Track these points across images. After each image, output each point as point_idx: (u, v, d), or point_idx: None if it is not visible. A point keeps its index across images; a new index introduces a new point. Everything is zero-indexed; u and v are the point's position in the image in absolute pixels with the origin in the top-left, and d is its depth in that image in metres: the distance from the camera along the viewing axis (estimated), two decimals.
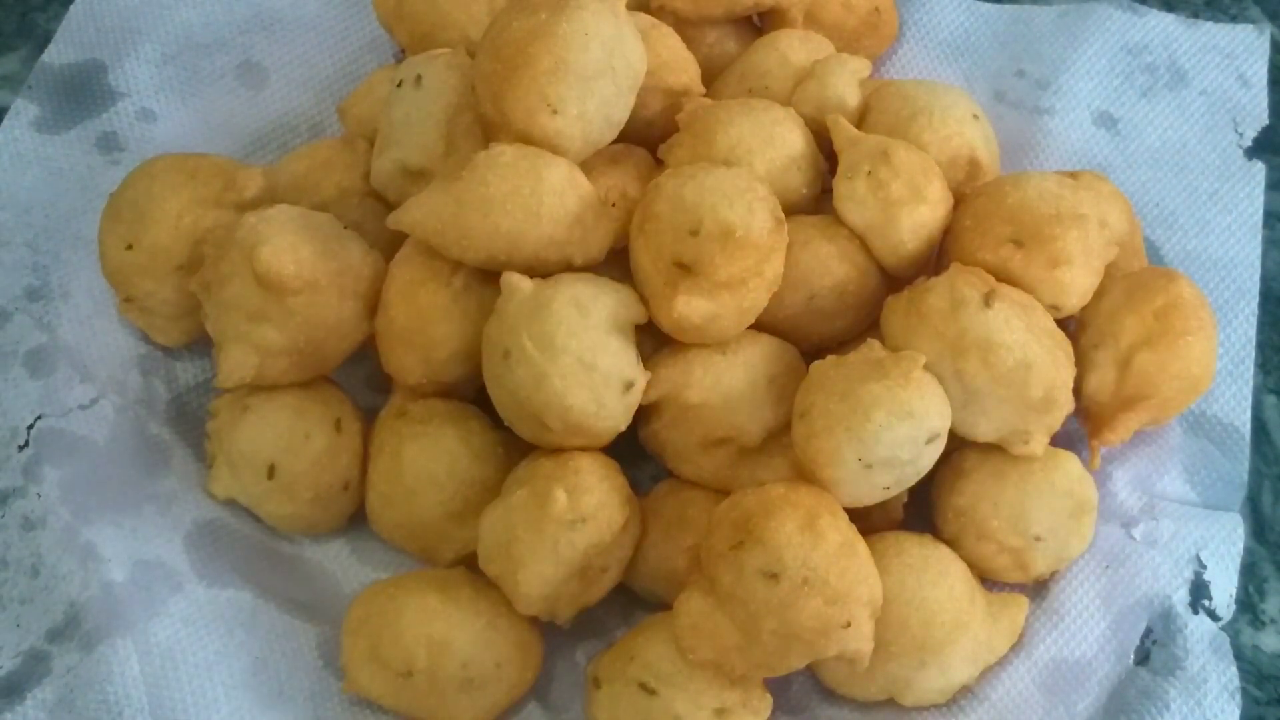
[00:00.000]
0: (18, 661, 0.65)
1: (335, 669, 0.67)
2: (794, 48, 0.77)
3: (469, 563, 0.68)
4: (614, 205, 0.70)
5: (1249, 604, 0.72)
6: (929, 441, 0.62)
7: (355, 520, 0.73)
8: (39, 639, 0.65)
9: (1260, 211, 0.80)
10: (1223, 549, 0.69)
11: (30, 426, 0.71)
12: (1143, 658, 0.66)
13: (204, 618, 0.66)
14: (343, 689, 0.65)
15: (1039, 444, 0.65)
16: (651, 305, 0.65)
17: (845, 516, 0.62)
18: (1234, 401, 0.74)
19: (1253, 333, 0.76)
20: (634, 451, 0.69)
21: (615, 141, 0.70)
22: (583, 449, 0.66)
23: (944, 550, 0.66)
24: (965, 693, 0.66)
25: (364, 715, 0.66)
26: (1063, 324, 0.67)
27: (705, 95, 0.75)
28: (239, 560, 0.70)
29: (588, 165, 0.69)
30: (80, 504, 0.68)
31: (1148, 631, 0.67)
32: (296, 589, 0.71)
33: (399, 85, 0.72)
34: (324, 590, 0.71)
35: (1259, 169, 0.82)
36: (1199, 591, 0.68)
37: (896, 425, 0.61)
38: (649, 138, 0.74)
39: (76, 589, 0.66)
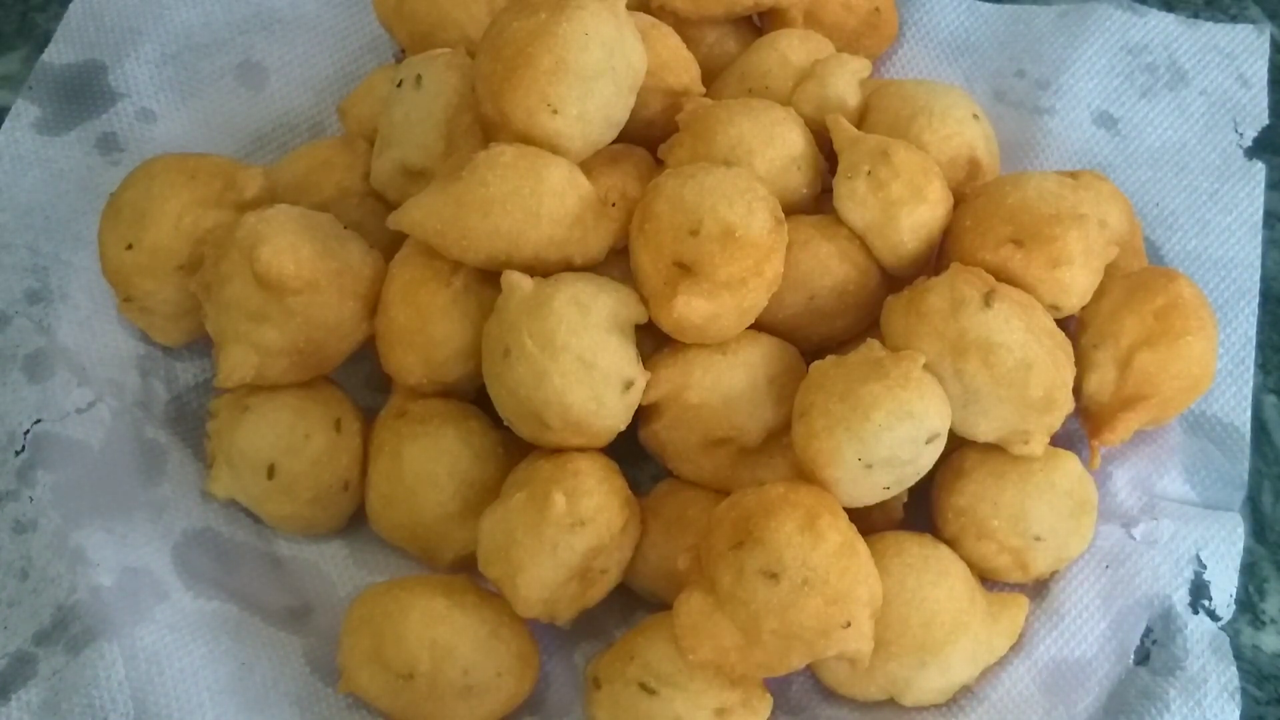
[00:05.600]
0: (3, 663, 0.65)
1: (323, 675, 0.67)
2: (794, 48, 0.77)
3: (469, 563, 0.68)
4: (614, 205, 0.69)
5: (1249, 604, 0.72)
6: (929, 441, 0.62)
7: (354, 521, 0.73)
8: (25, 641, 0.65)
9: (1260, 211, 0.80)
10: (1223, 549, 0.69)
11: (27, 432, 0.71)
12: (1143, 658, 0.66)
13: (189, 626, 0.66)
14: (339, 688, 0.65)
15: (1039, 444, 0.65)
16: (651, 305, 0.65)
17: (845, 516, 0.62)
18: (1234, 401, 0.74)
19: (1253, 333, 0.76)
20: (634, 451, 0.69)
21: (615, 141, 0.70)
22: (582, 449, 0.66)
23: (944, 550, 0.66)
24: (965, 693, 0.66)
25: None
26: (1063, 324, 0.67)
27: (705, 95, 0.75)
28: (227, 571, 0.70)
29: (588, 165, 0.69)
30: (72, 509, 0.68)
31: (1148, 631, 0.67)
32: (288, 596, 0.71)
33: (399, 85, 0.72)
34: (318, 595, 0.71)
35: (1259, 169, 0.82)
36: (1199, 591, 0.68)
37: (896, 425, 0.61)
38: (649, 138, 0.74)
39: (64, 593, 0.66)
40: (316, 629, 0.69)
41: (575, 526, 0.63)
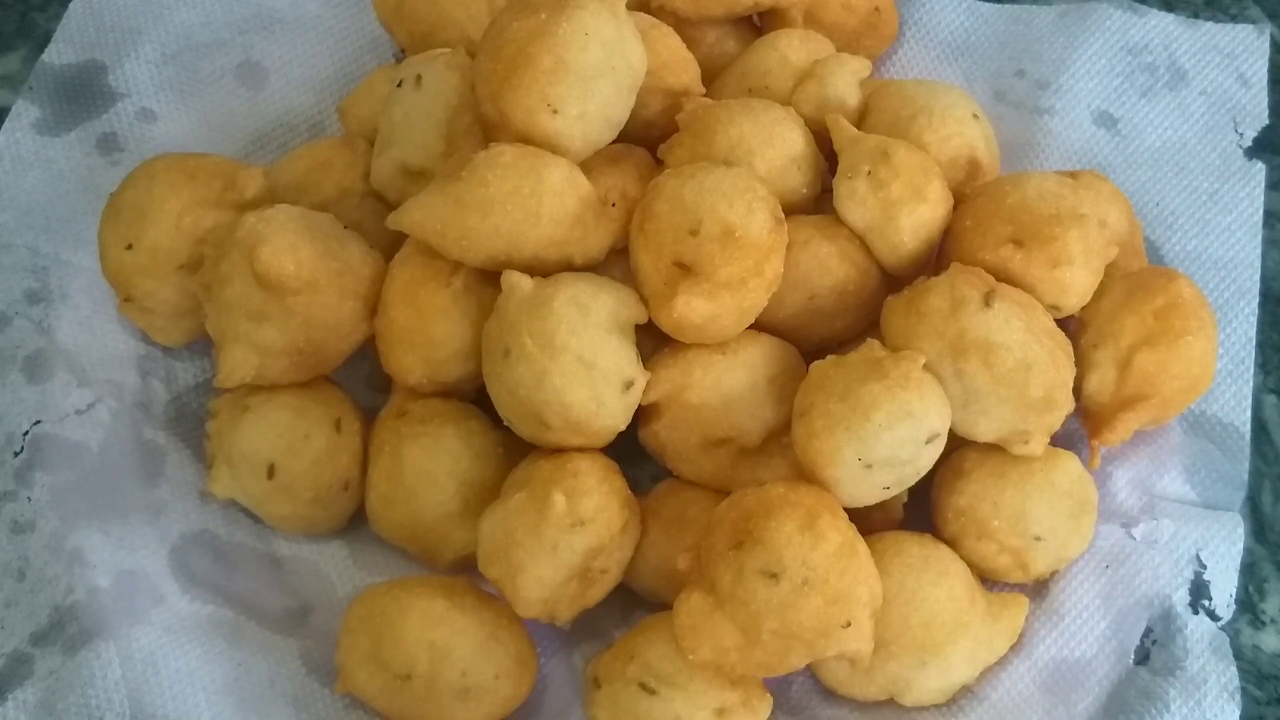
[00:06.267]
0: (0, 664, 0.65)
1: (320, 677, 0.67)
2: (794, 48, 0.77)
3: (469, 563, 0.68)
4: (614, 205, 0.69)
5: (1249, 604, 0.72)
6: (929, 441, 0.62)
7: (354, 521, 0.73)
8: (22, 642, 0.65)
9: (1260, 211, 0.80)
10: (1223, 549, 0.69)
11: (26, 433, 0.71)
12: (1143, 658, 0.66)
13: (185, 628, 0.66)
14: (336, 688, 0.65)
15: (1039, 444, 0.65)
16: (651, 305, 0.65)
17: (845, 516, 0.62)
18: (1234, 401, 0.74)
19: (1253, 333, 0.76)
20: (634, 451, 0.69)
21: (615, 141, 0.70)
22: (582, 449, 0.66)
23: (944, 550, 0.66)
24: (965, 693, 0.66)
25: None
26: (1063, 324, 0.67)
27: (705, 95, 0.75)
28: (225, 573, 0.70)
29: (588, 165, 0.69)
30: (70, 510, 0.68)
31: (1148, 631, 0.67)
32: (287, 597, 0.71)
33: (399, 85, 0.72)
34: (317, 595, 0.71)
35: (1259, 169, 0.82)
36: (1199, 591, 0.68)
37: (896, 425, 0.61)
38: (649, 138, 0.74)
39: (62, 593, 0.66)
40: (314, 629, 0.69)
41: (575, 526, 0.63)
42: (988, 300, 0.63)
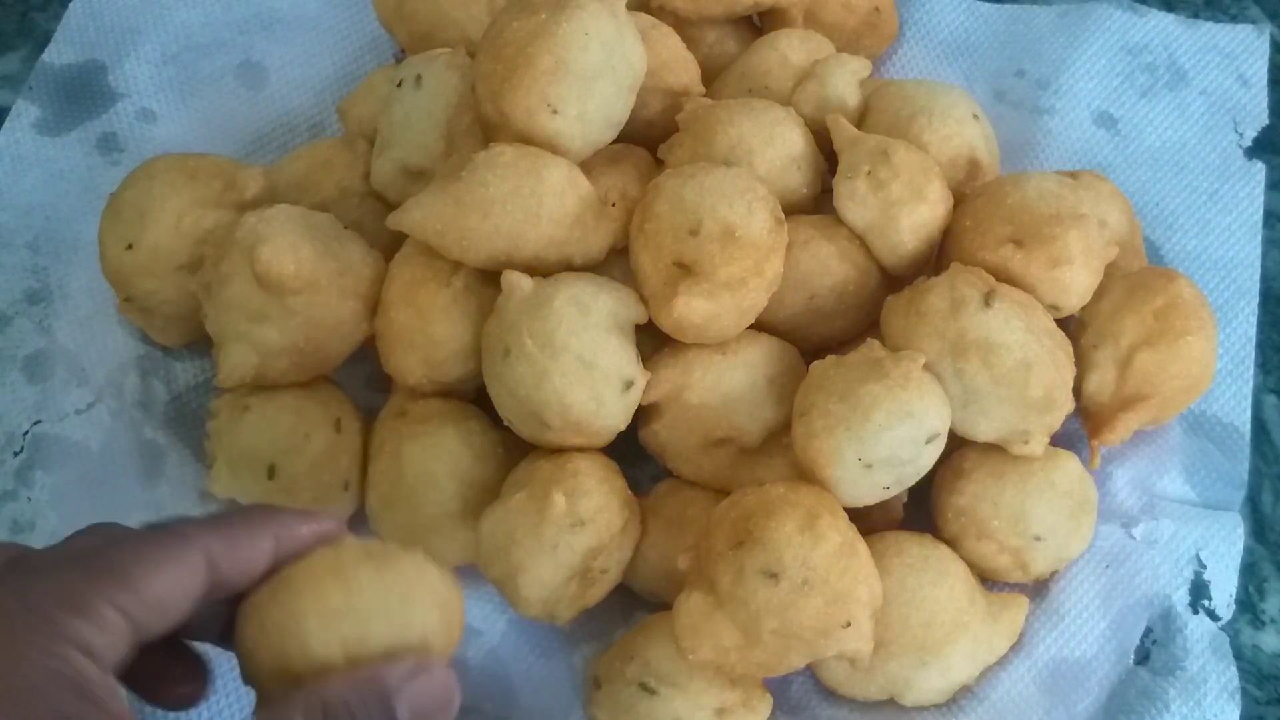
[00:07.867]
0: None
1: None
2: (794, 48, 0.77)
3: (469, 564, 0.68)
4: (614, 205, 0.70)
5: (1249, 604, 0.72)
6: (929, 441, 0.62)
7: (354, 521, 0.73)
8: None
9: (1260, 211, 0.80)
10: (1223, 549, 0.69)
11: (26, 433, 0.71)
12: (1142, 658, 0.66)
13: None
14: None
15: (1039, 444, 0.65)
16: (651, 305, 0.65)
17: (845, 516, 0.62)
18: (1234, 401, 0.74)
19: (1253, 333, 0.76)
20: (634, 451, 0.69)
21: (615, 141, 0.70)
22: (582, 448, 0.66)
23: (944, 550, 0.66)
24: (965, 693, 0.66)
25: None
26: (1063, 324, 0.67)
27: (705, 95, 0.75)
28: None
29: (588, 165, 0.69)
30: (70, 509, 0.68)
31: (1148, 631, 0.67)
32: None
33: (399, 85, 0.72)
34: None
35: (1259, 169, 0.82)
36: (1199, 591, 0.68)
37: (896, 425, 0.61)
38: (649, 138, 0.74)
39: None
40: None
41: (575, 526, 0.63)
42: (988, 300, 0.63)
